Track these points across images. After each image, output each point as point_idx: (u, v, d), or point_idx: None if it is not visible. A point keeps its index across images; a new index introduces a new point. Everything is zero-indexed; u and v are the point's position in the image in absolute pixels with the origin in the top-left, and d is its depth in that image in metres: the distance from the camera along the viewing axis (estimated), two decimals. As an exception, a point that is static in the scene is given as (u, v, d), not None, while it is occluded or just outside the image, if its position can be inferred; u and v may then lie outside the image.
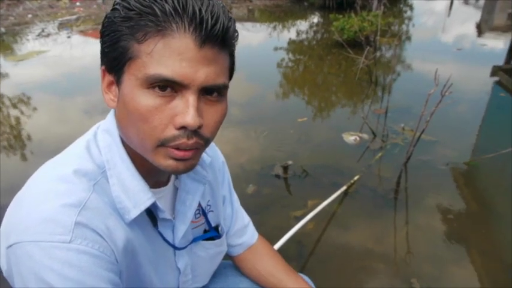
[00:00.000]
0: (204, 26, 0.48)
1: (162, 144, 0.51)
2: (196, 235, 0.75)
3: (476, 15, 8.83)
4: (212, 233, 0.78)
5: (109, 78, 0.55)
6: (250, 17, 9.12)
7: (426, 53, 5.37)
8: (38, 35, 6.72)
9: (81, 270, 0.49)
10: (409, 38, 6.51)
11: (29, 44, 6.21)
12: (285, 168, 2.41)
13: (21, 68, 4.99)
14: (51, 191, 0.52)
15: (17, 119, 3.41)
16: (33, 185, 0.55)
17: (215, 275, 0.87)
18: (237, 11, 9.55)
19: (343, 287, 1.62)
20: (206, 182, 0.72)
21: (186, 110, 0.49)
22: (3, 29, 7.12)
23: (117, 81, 0.53)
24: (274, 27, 7.71)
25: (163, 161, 0.53)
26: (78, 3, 9.54)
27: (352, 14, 5.20)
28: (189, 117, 0.49)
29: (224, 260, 0.87)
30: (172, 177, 0.69)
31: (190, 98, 0.49)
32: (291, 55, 5.59)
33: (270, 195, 2.21)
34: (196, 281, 0.77)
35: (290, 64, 5.17)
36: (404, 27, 7.56)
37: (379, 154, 2.64)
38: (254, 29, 7.50)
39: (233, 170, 2.38)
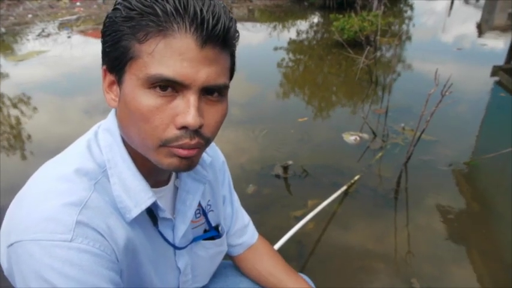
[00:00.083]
0: (206, 26, 0.48)
1: (164, 144, 0.51)
2: (196, 235, 0.75)
3: (476, 15, 8.82)
4: (212, 232, 0.78)
5: (110, 77, 0.55)
6: (250, 17, 9.12)
7: (426, 52, 5.37)
8: (38, 35, 6.72)
9: (82, 269, 0.49)
10: (409, 38, 6.52)
11: (29, 44, 6.21)
12: (285, 168, 2.41)
13: (21, 68, 4.99)
14: (52, 190, 0.52)
15: (17, 119, 3.41)
16: (34, 184, 0.55)
17: (215, 275, 0.88)
18: (237, 10, 9.55)
19: (343, 287, 1.62)
20: (206, 182, 0.72)
21: (187, 110, 0.49)
22: (3, 29, 7.12)
23: (118, 81, 0.53)
24: (274, 27, 7.71)
25: (166, 159, 0.53)
26: (78, 3, 9.54)
27: (352, 14, 5.20)
28: (190, 117, 0.49)
29: (224, 260, 0.87)
30: (173, 176, 0.69)
31: (191, 98, 0.50)
32: (291, 55, 5.59)
33: (270, 195, 2.21)
34: (197, 281, 0.77)
35: (290, 64, 5.17)
36: (404, 27, 7.56)
37: (380, 154, 2.64)
38: (254, 29, 7.50)
39: (233, 170, 2.37)
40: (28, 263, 0.48)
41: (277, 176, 2.39)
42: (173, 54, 0.48)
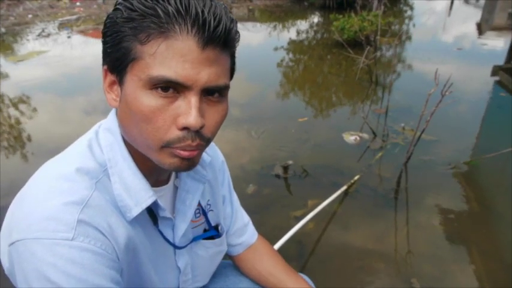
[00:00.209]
0: (207, 27, 0.48)
1: (167, 145, 0.52)
2: (196, 234, 0.75)
3: (476, 15, 8.83)
4: (212, 232, 0.78)
5: (111, 78, 0.55)
6: (250, 17, 9.13)
7: (426, 52, 5.37)
8: (38, 35, 6.72)
9: (84, 267, 0.49)
10: (409, 38, 6.52)
11: (29, 44, 6.21)
12: (285, 168, 2.41)
13: (21, 68, 4.99)
14: (53, 189, 0.52)
15: (17, 119, 3.41)
16: (35, 183, 0.55)
17: (215, 275, 0.88)
18: (237, 10, 9.55)
19: (343, 287, 1.62)
20: (206, 181, 0.72)
21: (188, 111, 0.50)
22: (3, 29, 7.12)
23: (120, 81, 0.54)
24: (275, 27, 7.72)
25: (168, 160, 0.53)
26: (78, 3, 9.54)
27: (352, 14, 5.20)
28: (192, 118, 0.49)
29: (224, 259, 0.87)
30: (173, 176, 0.69)
31: (193, 99, 0.50)
32: (291, 55, 5.60)
33: (270, 195, 2.22)
34: (197, 281, 0.77)
35: (290, 64, 5.17)
36: (404, 27, 7.56)
37: (380, 154, 2.64)
38: (254, 29, 7.51)
39: (233, 169, 2.38)
40: (30, 261, 0.48)
41: (277, 176, 2.39)
42: (175, 55, 0.48)
